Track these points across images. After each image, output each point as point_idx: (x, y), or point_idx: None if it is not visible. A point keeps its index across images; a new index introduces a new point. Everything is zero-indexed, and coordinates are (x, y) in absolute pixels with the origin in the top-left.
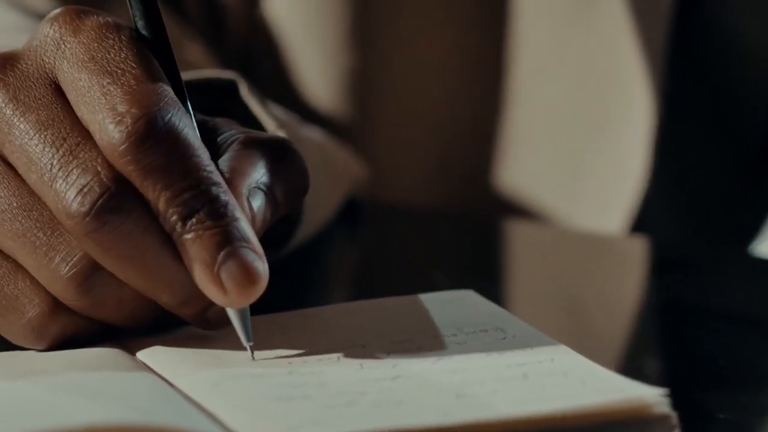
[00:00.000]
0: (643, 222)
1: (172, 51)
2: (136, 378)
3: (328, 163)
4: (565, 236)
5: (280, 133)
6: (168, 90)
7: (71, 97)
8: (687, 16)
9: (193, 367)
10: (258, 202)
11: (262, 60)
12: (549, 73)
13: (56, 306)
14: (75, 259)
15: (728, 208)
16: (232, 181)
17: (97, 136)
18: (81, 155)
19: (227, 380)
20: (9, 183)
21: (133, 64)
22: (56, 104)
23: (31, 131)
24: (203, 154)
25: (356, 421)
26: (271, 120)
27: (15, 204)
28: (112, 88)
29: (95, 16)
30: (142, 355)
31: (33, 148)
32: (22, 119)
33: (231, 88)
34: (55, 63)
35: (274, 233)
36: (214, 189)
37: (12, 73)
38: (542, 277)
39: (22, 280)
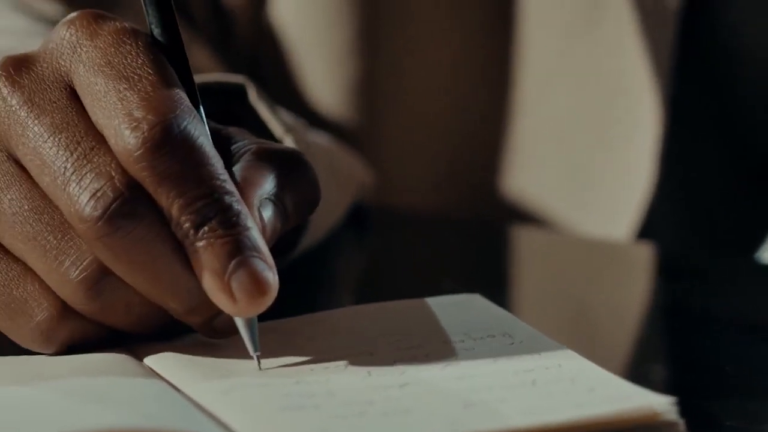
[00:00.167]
0: (649, 229)
1: (187, 58)
2: (144, 384)
3: (336, 169)
4: (572, 243)
5: (288, 138)
6: (184, 97)
7: (86, 101)
8: (694, 24)
9: (201, 374)
10: (268, 212)
11: (270, 65)
12: (556, 80)
13: (65, 310)
14: (85, 263)
15: (735, 216)
16: (243, 192)
17: (112, 141)
18: (95, 159)
19: (236, 389)
20: (21, 185)
21: (149, 70)
22: (71, 108)
23: (45, 134)
24: (217, 162)
25: (365, 431)
26: (279, 125)
27: (26, 207)
28: (128, 94)
29: (112, 21)
30: (150, 361)
31: (47, 151)
32: (36, 122)
33: (239, 92)
34: (71, 66)
35: (281, 239)
36: (227, 198)
37: (27, 76)
38: (549, 284)
39: (32, 283)
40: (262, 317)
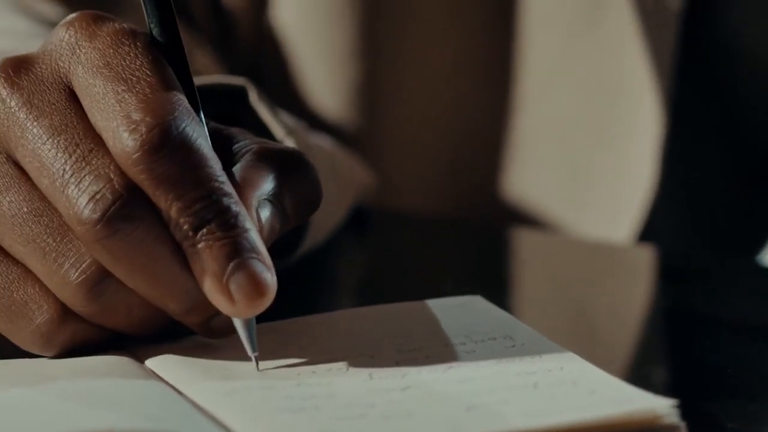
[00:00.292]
0: (650, 230)
1: (187, 59)
2: (145, 386)
3: (336, 171)
4: (573, 244)
5: (289, 140)
6: (182, 99)
7: (85, 102)
8: (696, 25)
9: (202, 376)
10: (266, 213)
11: (271, 68)
12: (557, 81)
13: (65, 312)
14: (84, 265)
15: (736, 218)
16: (242, 192)
17: (110, 144)
18: (94, 162)
19: (237, 391)
20: (20, 188)
21: (148, 72)
22: (70, 109)
23: (44, 136)
24: (216, 164)
25: None
26: (280, 127)
27: (26, 209)
28: (126, 96)
29: (112, 22)
30: (151, 363)
31: (45, 153)
32: (35, 124)
33: (240, 94)
34: (70, 68)
35: (282, 241)
36: (225, 200)
37: (26, 77)
38: (550, 286)
39: (32, 285)
40: (263, 318)
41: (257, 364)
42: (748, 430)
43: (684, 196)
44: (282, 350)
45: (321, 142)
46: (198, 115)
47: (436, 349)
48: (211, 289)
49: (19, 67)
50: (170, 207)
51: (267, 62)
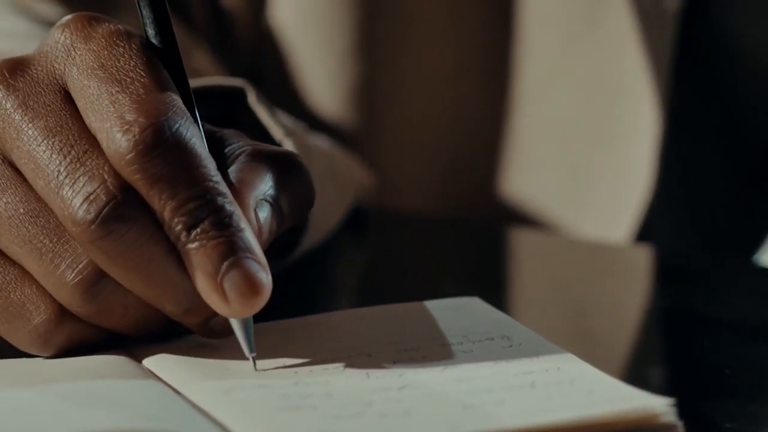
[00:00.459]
0: (648, 231)
1: (182, 60)
2: (143, 386)
3: (335, 171)
4: (571, 245)
5: (288, 141)
6: (176, 99)
7: (80, 104)
8: (694, 26)
9: (200, 375)
10: (265, 213)
11: (269, 68)
12: (556, 82)
13: (62, 313)
14: (80, 266)
15: (734, 218)
16: (239, 193)
17: (104, 145)
18: (88, 163)
19: (234, 390)
20: (16, 189)
21: (142, 73)
22: (65, 111)
23: (39, 137)
24: (210, 164)
25: None
26: (278, 128)
27: (22, 210)
28: (120, 97)
29: (106, 24)
30: (149, 362)
31: (41, 154)
32: (30, 125)
33: (239, 95)
34: (65, 69)
35: (280, 241)
36: (219, 199)
37: (22, 79)
38: (548, 286)
39: (29, 286)
40: (262, 318)
41: (255, 364)
42: (745, 430)
43: (682, 196)
44: (280, 350)
45: (320, 142)
46: (192, 115)
47: (433, 348)
48: (205, 288)
49: (15, 69)
50: (164, 207)
51: (266, 63)
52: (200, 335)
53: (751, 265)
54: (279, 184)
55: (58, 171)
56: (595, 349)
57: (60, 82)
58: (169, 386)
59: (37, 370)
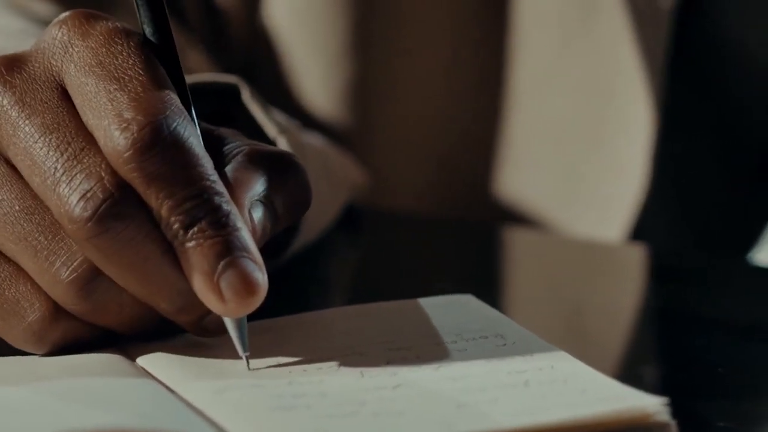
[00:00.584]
0: (642, 230)
1: (179, 58)
2: (137, 384)
3: (329, 170)
4: (565, 244)
5: (282, 139)
6: (174, 98)
7: (77, 101)
8: (688, 26)
9: (194, 374)
10: (259, 213)
11: (263, 67)
12: (550, 82)
13: (57, 311)
14: (75, 263)
15: (727, 217)
16: (234, 192)
17: (101, 142)
18: (85, 160)
19: (228, 389)
20: (12, 186)
21: (140, 71)
22: (62, 108)
23: (36, 134)
24: (207, 163)
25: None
26: (272, 125)
27: (17, 207)
28: (118, 95)
29: (104, 21)
30: (143, 361)
31: (37, 151)
32: (27, 122)
33: (233, 92)
34: (62, 66)
35: (274, 239)
36: (216, 199)
37: (19, 76)
38: (542, 284)
39: (24, 283)
40: (254, 317)
41: (248, 363)
42: (739, 429)
43: (676, 195)
44: (274, 349)
45: (313, 140)
46: (190, 114)
47: (427, 347)
48: (201, 287)
49: (12, 66)
50: (161, 205)
51: (260, 62)
52: (194, 334)
53: (745, 264)
54: (275, 185)
55: (55, 168)
56: (588, 348)
57: (57, 79)
58: (163, 385)
59: (31, 368)
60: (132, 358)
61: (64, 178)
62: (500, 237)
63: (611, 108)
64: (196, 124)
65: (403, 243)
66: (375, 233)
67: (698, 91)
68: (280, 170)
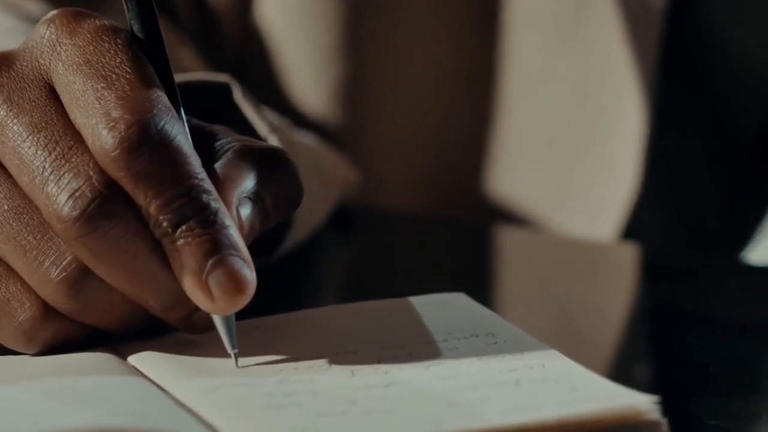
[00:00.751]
0: (634, 229)
1: (167, 56)
2: (128, 382)
3: (320, 169)
4: (557, 243)
5: (273, 138)
6: (162, 96)
7: (65, 100)
8: (680, 25)
9: (185, 373)
10: (247, 211)
11: (255, 66)
12: (541, 81)
13: (47, 310)
14: (65, 263)
15: (719, 216)
16: (223, 189)
17: (89, 141)
18: (73, 159)
19: (219, 387)
20: (1, 185)
21: (127, 69)
22: (50, 107)
23: (24, 133)
24: (195, 161)
25: (348, 430)
26: (263, 124)
27: (6, 207)
28: (106, 93)
29: (92, 19)
30: (134, 359)
31: (25, 150)
32: (15, 121)
33: (224, 90)
34: (50, 65)
35: (265, 238)
36: (204, 197)
37: (7, 74)
38: (533, 284)
39: (14, 283)
40: (247, 315)
41: (236, 361)
42: (729, 428)
43: (669, 194)
44: (264, 347)
45: (305, 139)
46: (178, 112)
47: (418, 346)
48: (190, 285)
49: (0, 65)
50: (149, 204)
51: (252, 60)
52: (183, 331)
53: (738, 263)
54: (264, 181)
55: (43, 167)
56: (580, 347)
57: (45, 77)
58: (155, 383)
59: (22, 368)
60: (123, 356)
61: (52, 177)
62: (492, 236)
63: (603, 107)
64: (185, 121)
65: (394, 242)
66: (367, 232)
67: (690, 90)
68: (271, 166)
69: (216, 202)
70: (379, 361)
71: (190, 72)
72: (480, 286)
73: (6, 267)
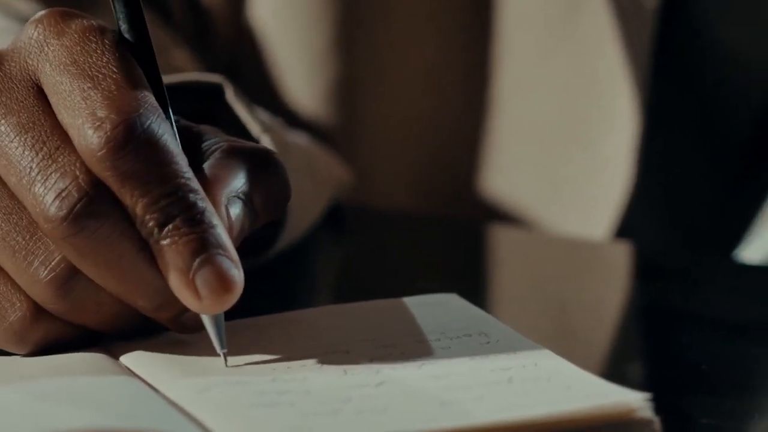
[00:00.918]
0: (627, 228)
1: (155, 56)
2: (120, 382)
3: (313, 168)
4: (550, 242)
5: (265, 137)
6: (148, 96)
7: (52, 100)
8: (672, 23)
9: (177, 373)
10: (236, 210)
11: (248, 66)
12: (534, 81)
13: (38, 310)
14: (53, 263)
15: (712, 215)
16: (211, 189)
17: (76, 141)
18: (60, 159)
19: (212, 387)
20: None
21: (114, 69)
22: (38, 107)
23: (11, 133)
24: (182, 161)
25: (340, 429)
26: (256, 124)
27: None
28: (92, 93)
29: (80, 19)
30: (126, 359)
31: (13, 150)
32: (2, 121)
33: (217, 91)
34: (38, 65)
35: (258, 237)
36: (191, 196)
37: None
38: (526, 282)
39: (3, 284)
40: (239, 315)
41: (225, 360)
42: (721, 426)
43: (661, 193)
44: (256, 347)
45: (298, 139)
46: (166, 112)
47: (411, 345)
48: (177, 284)
49: None
50: (136, 204)
51: (244, 60)
52: (173, 330)
53: (730, 262)
54: (253, 181)
55: (30, 167)
56: (573, 346)
57: (33, 77)
58: (147, 383)
59: (13, 368)
60: (115, 356)
61: (39, 177)
62: (486, 235)
63: (596, 106)
64: (173, 122)
65: (388, 241)
66: (360, 232)
67: (683, 90)
68: (259, 166)
69: (203, 201)
70: (372, 360)
71: (183, 72)
72: (473, 285)
73: None
